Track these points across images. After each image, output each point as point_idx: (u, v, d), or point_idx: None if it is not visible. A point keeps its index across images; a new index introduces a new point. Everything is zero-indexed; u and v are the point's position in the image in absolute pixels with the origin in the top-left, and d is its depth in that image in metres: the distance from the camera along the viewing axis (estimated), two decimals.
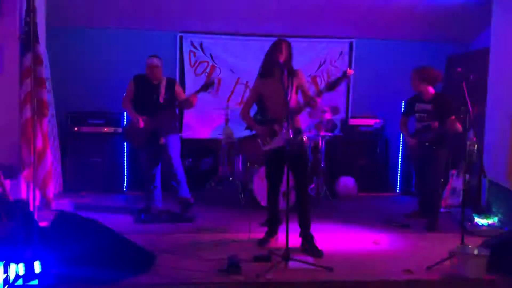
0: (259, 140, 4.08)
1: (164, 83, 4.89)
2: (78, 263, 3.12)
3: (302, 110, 3.93)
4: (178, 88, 5.03)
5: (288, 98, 3.75)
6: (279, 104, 3.77)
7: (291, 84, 3.88)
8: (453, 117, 4.54)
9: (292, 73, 3.90)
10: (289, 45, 3.90)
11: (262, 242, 4.07)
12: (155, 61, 4.83)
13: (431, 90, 4.78)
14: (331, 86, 3.69)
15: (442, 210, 5.02)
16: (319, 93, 3.81)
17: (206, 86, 4.63)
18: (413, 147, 4.92)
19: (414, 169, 5.52)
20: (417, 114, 4.89)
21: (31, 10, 4.35)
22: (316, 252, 3.84)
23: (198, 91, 4.68)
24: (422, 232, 4.61)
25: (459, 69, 3.92)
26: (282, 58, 3.82)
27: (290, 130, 3.63)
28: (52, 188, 4.70)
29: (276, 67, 3.83)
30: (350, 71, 3.65)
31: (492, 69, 5.40)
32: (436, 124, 4.73)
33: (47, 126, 4.57)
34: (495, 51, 5.38)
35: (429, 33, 6.58)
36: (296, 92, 3.99)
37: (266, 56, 3.94)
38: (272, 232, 4.14)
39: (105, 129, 6.02)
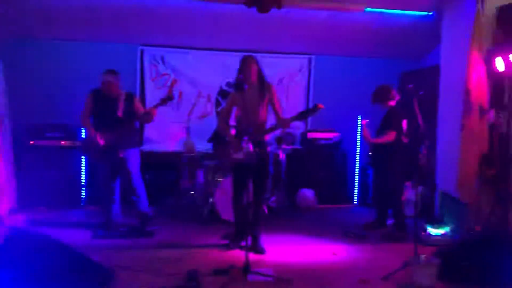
0: (230, 151, 4.23)
1: (122, 97, 4.85)
2: (34, 281, 3.04)
3: (273, 130, 4.19)
4: (137, 102, 5.00)
5: (257, 112, 4.04)
6: (248, 118, 4.07)
7: (262, 99, 4.14)
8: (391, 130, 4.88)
9: (263, 87, 4.14)
10: (255, 61, 4.17)
11: (230, 246, 4.28)
12: (109, 77, 4.78)
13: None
14: (302, 116, 4.01)
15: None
16: (290, 120, 4.03)
17: (166, 100, 4.64)
18: (371, 159, 5.31)
19: (373, 179, 5.79)
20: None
21: None
22: (259, 249, 4.16)
23: (158, 105, 4.69)
24: (378, 243, 4.76)
25: (410, 86, 4.13)
26: (250, 73, 4.07)
27: (250, 144, 3.74)
28: (5, 204, 4.55)
29: (246, 81, 4.07)
30: (321, 106, 3.91)
31: (442, 84, 5.65)
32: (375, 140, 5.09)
33: None
34: (444, 67, 5.64)
35: (384, 50, 6.83)
36: (266, 106, 4.20)
37: (238, 70, 4.15)
38: (240, 234, 4.30)
39: (63, 142, 5.89)
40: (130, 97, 4.93)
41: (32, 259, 3.09)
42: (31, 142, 5.81)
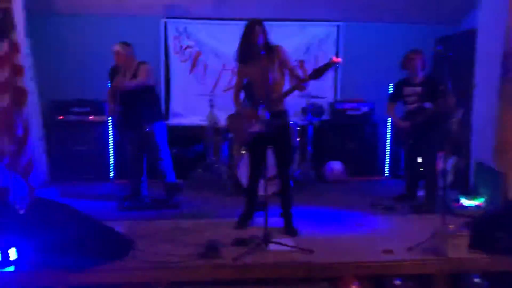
0: (245, 124, 4.03)
1: (133, 69, 4.74)
2: (54, 249, 3.10)
3: (289, 94, 3.82)
4: (141, 70, 4.70)
5: (271, 79, 3.69)
6: (261, 86, 3.71)
7: (272, 64, 3.78)
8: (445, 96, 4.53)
9: (271, 51, 3.80)
10: (261, 25, 3.79)
11: (239, 225, 4.07)
12: (116, 47, 4.69)
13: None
14: (317, 73, 3.57)
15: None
16: (305, 79, 3.67)
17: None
18: (406, 129, 4.88)
19: (404, 152, 5.50)
20: (407, 98, 4.89)
21: None
22: (291, 231, 3.88)
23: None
24: (406, 215, 4.59)
25: (439, 47, 3.88)
26: (257, 40, 3.73)
27: (266, 113, 3.59)
28: (37, 177, 4.67)
29: (253, 50, 3.76)
30: (337, 59, 3.51)
31: (479, 49, 5.32)
32: (428, 105, 4.72)
33: (27, 114, 4.52)
34: (481, 30, 5.30)
35: (417, 15, 6.50)
36: (280, 70, 3.86)
37: (241, 40, 3.85)
38: (249, 215, 4.14)
39: (90, 117, 5.97)
40: (138, 67, 4.74)
41: (52, 228, 3.13)
42: (60, 117, 5.91)
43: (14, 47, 4.34)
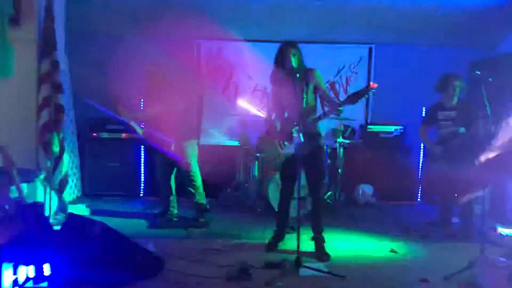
0: (277, 145, 4.03)
1: (168, 89, 4.80)
2: (87, 266, 3.12)
3: (323, 117, 3.80)
4: (175, 93, 4.81)
5: (304, 101, 3.69)
6: (295, 108, 3.72)
7: (306, 86, 3.78)
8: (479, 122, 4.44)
9: (306, 74, 3.80)
10: (295, 47, 3.81)
11: (269, 247, 4.01)
12: (151, 68, 4.84)
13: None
14: (354, 98, 3.52)
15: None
16: (342, 104, 3.64)
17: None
18: (440, 154, 4.78)
19: (437, 177, 5.38)
20: (441, 122, 4.83)
21: (49, 18, 4.45)
22: (323, 256, 3.81)
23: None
24: (441, 242, 4.46)
25: (478, 72, 3.80)
26: (291, 62, 3.74)
27: (300, 135, 3.57)
28: (68, 192, 4.75)
29: (287, 72, 3.78)
30: (374, 85, 3.49)
31: None
32: (462, 130, 4.63)
33: (64, 130, 4.62)
34: None
35: (451, 38, 6.43)
36: (314, 93, 3.87)
37: (275, 62, 3.89)
38: (279, 237, 4.08)
39: (123, 135, 6.07)
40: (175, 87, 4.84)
41: (86, 244, 3.16)
42: (94, 134, 6.03)
43: (55, 65, 4.47)
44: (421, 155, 6.43)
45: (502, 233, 4.55)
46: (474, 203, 5.04)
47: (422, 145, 6.36)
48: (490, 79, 3.62)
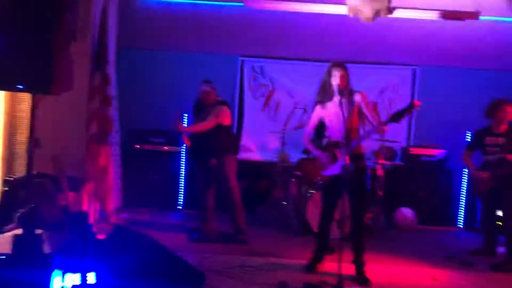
0: (318, 165, 4.03)
1: (214, 105, 4.91)
2: (131, 276, 3.18)
3: (367, 137, 3.79)
4: (218, 109, 4.87)
5: (348, 122, 3.68)
6: (339, 129, 3.73)
7: (352, 108, 3.79)
8: None
9: (352, 95, 3.81)
10: (344, 68, 3.82)
11: (309, 268, 3.98)
12: (203, 87, 4.92)
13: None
14: (397, 117, 3.53)
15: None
16: (386, 122, 3.63)
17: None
18: (485, 181, 4.66)
19: (481, 204, 5.23)
20: (487, 148, 4.72)
21: (103, 33, 4.62)
22: (363, 280, 3.75)
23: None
24: (486, 272, 4.31)
25: None
26: (337, 82, 3.76)
27: (347, 157, 3.55)
28: (112, 203, 4.86)
29: (332, 92, 3.80)
30: (418, 103, 3.49)
31: None
32: (509, 157, 4.50)
33: (111, 142, 4.76)
34: None
35: (497, 61, 6.27)
36: (358, 115, 3.87)
37: (322, 81, 3.91)
38: (319, 258, 4.04)
39: (165, 147, 6.19)
40: (217, 104, 4.91)
41: (131, 255, 3.22)
42: (137, 146, 6.18)
43: (106, 79, 4.62)
44: (465, 180, 6.25)
45: None
46: None
47: (466, 170, 6.20)
48: None
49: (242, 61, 6.62)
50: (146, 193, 6.11)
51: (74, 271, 3.14)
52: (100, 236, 3.78)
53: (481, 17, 5.22)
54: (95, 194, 4.59)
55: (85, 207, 4.61)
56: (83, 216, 4.12)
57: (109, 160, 4.70)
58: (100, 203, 4.68)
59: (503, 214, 4.67)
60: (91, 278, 3.27)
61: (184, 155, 6.21)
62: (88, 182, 4.54)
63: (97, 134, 4.51)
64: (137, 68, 6.56)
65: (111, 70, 4.90)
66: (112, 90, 5.04)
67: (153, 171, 6.17)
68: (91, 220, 4.46)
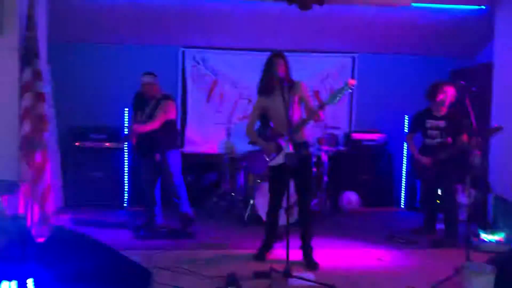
0: (264, 156, 4.03)
1: (157, 100, 4.82)
2: (73, 280, 3.05)
3: (305, 124, 3.84)
4: (164, 104, 4.79)
5: (290, 112, 3.70)
6: (282, 119, 3.73)
7: (293, 97, 3.82)
8: (465, 134, 4.48)
9: (292, 85, 3.84)
10: (283, 58, 3.84)
11: (258, 257, 4.00)
12: (146, 79, 4.79)
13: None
14: (333, 98, 3.58)
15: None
16: (322, 106, 3.70)
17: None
18: (427, 164, 4.79)
19: (422, 185, 5.44)
20: (428, 131, 4.81)
21: (31, 26, 4.37)
22: (312, 265, 3.82)
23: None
24: (427, 249, 4.51)
25: (462, 82, 3.87)
26: (279, 72, 3.77)
27: (290, 145, 3.57)
28: (51, 204, 4.64)
29: (274, 82, 3.79)
30: (352, 81, 3.54)
31: (496, 83, 5.35)
32: (450, 140, 4.68)
33: (46, 140, 4.53)
34: (498, 64, 5.33)
35: (432, 47, 6.55)
36: (299, 105, 3.93)
37: (263, 72, 3.90)
38: (268, 247, 4.07)
39: (107, 144, 5.98)
40: (162, 99, 4.84)
41: (72, 258, 3.09)
42: (77, 143, 5.93)
43: (37, 75, 4.38)
44: (405, 162, 6.50)
45: (484, 239, 4.62)
46: (458, 210, 5.14)
47: (405, 152, 6.45)
48: (473, 89, 3.68)
49: (183, 52, 6.49)
50: (89, 191, 5.90)
51: (10, 278, 2.99)
52: (40, 240, 3.61)
53: (414, 4, 5.39)
54: (32, 195, 4.36)
55: (21, 210, 4.38)
56: (20, 219, 3.92)
57: (46, 159, 4.47)
58: (38, 205, 4.46)
59: (442, 193, 4.87)
60: (30, 284, 3.12)
61: (127, 151, 6.03)
62: (23, 184, 4.31)
63: (31, 133, 4.28)
64: (72, 63, 6.28)
65: (42, 65, 4.65)
66: (46, 87, 4.80)
67: (95, 168, 5.95)
68: (28, 223, 4.24)
